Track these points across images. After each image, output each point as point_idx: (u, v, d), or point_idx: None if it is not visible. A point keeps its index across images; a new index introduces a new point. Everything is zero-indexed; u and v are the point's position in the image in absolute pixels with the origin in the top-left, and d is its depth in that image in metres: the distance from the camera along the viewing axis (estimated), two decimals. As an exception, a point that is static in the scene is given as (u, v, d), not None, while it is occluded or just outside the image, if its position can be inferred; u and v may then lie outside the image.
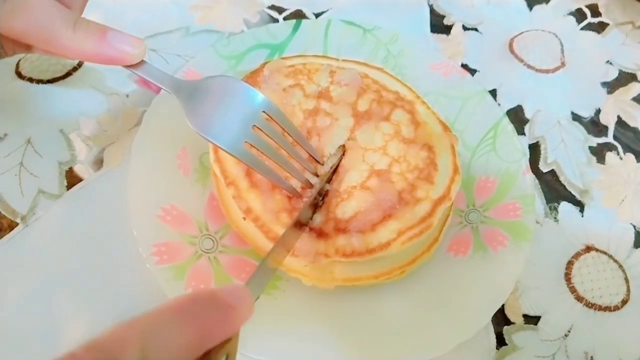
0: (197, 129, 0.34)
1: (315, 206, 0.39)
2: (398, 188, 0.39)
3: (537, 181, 0.49)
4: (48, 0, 0.33)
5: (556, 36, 0.60)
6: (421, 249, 0.40)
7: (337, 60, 0.48)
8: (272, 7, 0.58)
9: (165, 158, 0.43)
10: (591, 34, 0.62)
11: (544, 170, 0.50)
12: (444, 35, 0.59)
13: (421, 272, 0.41)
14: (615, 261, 0.45)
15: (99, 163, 0.45)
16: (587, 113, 0.55)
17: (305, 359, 0.36)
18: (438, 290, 0.40)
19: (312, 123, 0.42)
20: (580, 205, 0.49)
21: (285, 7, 0.58)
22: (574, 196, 0.49)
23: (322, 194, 0.39)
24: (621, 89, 0.57)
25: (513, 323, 0.42)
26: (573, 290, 0.44)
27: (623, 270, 0.45)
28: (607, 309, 0.43)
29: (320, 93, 0.44)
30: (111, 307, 0.39)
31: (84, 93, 0.49)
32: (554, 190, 0.49)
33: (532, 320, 0.42)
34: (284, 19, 0.58)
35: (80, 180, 0.44)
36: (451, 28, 0.59)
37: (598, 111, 0.55)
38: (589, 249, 0.46)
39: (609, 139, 0.54)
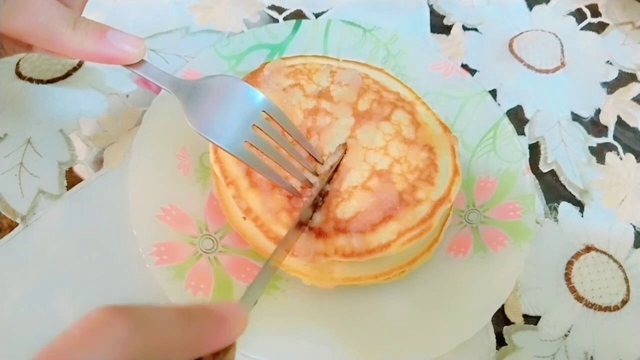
0: (197, 129, 0.34)
1: (315, 206, 0.39)
2: (399, 189, 0.39)
3: (537, 181, 0.49)
4: None
5: (556, 36, 0.60)
6: (421, 249, 0.40)
7: (338, 60, 0.48)
8: (272, 7, 0.58)
9: (165, 158, 0.43)
10: (591, 34, 0.62)
11: (544, 171, 0.50)
12: (444, 36, 0.59)
13: (421, 272, 0.41)
14: (615, 261, 0.45)
15: (99, 163, 0.45)
16: (587, 113, 0.55)
17: (305, 359, 0.36)
18: (438, 290, 0.40)
19: (312, 122, 0.42)
20: (580, 205, 0.48)
21: (285, 7, 0.58)
22: (574, 196, 0.49)
23: (322, 194, 0.39)
24: (621, 89, 0.57)
25: (513, 323, 0.42)
26: (573, 290, 0.44)
27: (623, 270, 0.45)
28: (607, 309, 0.43)
29: (321, 93, 0.44)
30: (111, 307, 0.39)
31: (84, 93, 0.49)
32: (554, 190, 0.49)
33: (532, 320, 0.42)
34: (284, 19, 0.58)
35: (80, 180, 0.44)
36: (451, 28, 0.59)
37: (598, 111, 0.55)
38: (588, 249, 0.46)
39: (609, 139, 0.54)
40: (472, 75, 0.55)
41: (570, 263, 0.45)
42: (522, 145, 0.48)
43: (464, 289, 0.40)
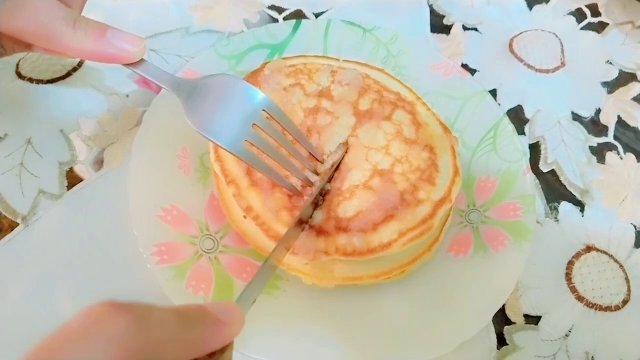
0: (197, 128, 0.34)
1: (315, 204, 0.39)
2: (400, 189, 0.39)
3: (537, 181, 0.49)
4: None
5: (556, 36, 0.60)
6: (422, 249, 0.40)
7: (338, 60, 0.48)
8: (272, 7, 0.58)
9: (165, 158, 0.43)
10: (591, 33, 0.62)
11: (544, 170, 0.50)
12: (443, 35, 0.59)
13: (421, 271, 0.41)
14: (616, 261, 0.45)
15: (99, 163, 0.45)
16: (587, 113, 0.55)
17: (306, 359, 0.36)
18: (438, 290, 0.40)
19: (312, 121, 0.42)
20: (580, 205, 0.48)
21: (285, 7, 0.58)
22: (574, 196, 0.49)
23: (323, 193, 0.39)
24: (621, 89, 0.57)
25: (514, 323, 0.42)
26: (574, 290, 0.44)
27: (623, 270, 0.45)
28: (607, 308, 0.43)
29: (321, 92, 0.44)
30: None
31: (84, 93, 0.49)
32: (554, 190, 0.49)
33: (532, 320, 0.42)
34: (284, 19, 0.58)
35: (81, 180, 0.44)
36: (451, 28, 0.59)
37: (598, 111, 0.55)
38: (589, 248, 0.46)
39: (609, 138, 0.54)
40: (472, 75, 0.55)
41: (570, 263, 0.45)
42: (522, 145, 0.48)
43: (465, 289, 0.40)
